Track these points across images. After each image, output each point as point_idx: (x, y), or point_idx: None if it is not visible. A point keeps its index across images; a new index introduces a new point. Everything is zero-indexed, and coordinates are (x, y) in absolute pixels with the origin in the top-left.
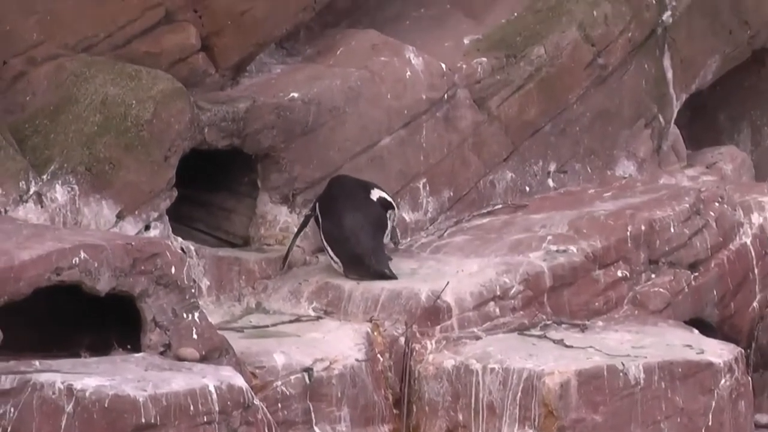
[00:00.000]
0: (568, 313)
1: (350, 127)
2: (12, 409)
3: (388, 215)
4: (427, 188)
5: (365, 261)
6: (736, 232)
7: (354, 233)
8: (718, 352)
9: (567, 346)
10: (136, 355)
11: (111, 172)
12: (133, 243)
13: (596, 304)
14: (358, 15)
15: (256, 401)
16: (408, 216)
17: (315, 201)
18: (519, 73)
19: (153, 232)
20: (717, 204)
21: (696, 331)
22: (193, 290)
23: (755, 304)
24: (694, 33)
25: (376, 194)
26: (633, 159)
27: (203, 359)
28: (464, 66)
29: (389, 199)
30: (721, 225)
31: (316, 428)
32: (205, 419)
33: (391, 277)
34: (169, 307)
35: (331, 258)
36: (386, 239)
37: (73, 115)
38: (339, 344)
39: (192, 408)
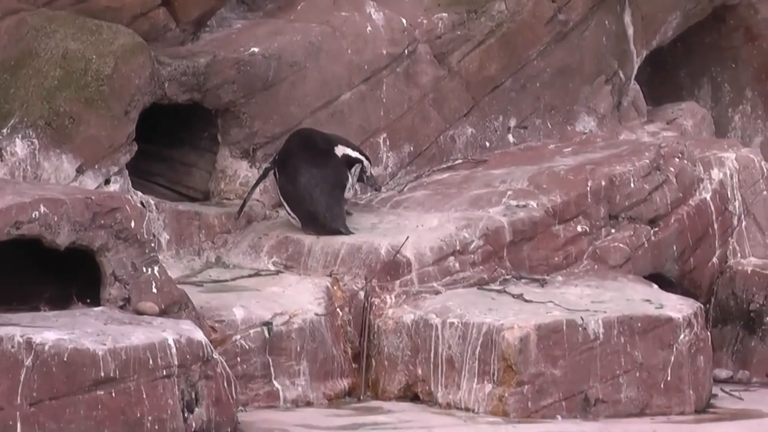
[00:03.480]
0: (527, 267)
1: (310, 82)
2: None
3: (352, 171)
4: (388, 143)
5: (319, 218)
6: (696, 187)
7: (308, 190)
8: (677, 307)
9: (526, 301)
10: (96, 309)
11: (71, 126)
12: (93, 197)
13: (556, 258)
14: None
15: (216, 355)
16: (368, 171)
17: (275, 155)
18: (480, 29)
19: (113, 187)
20: (677, 159)
21: (655, 286)
22: (152, 244)
23: (715, 259)
24: None
25: (340, 150)
26: (593, 115)
27: (163, 313)
28: (425, 21)
29: (354, 154)
30: (681, 180)
31: (275, 382)
32: (165, 373)
33: (346, 233)
34: (128, 261)
35: (289, 214)
36: (348, 194)
37: (33, 69)
38: (298, 298)
39: (151, 362)
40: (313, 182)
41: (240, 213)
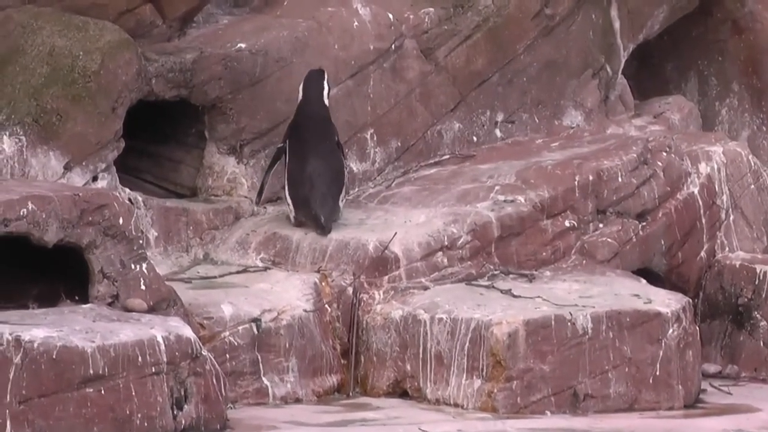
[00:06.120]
0: (515, 263)
1: (297, 77)
2: None
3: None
4: (375, 139)
5: (311, 205)
6: (683, 181)
7: (311, 178)
8: (665, 301)
9: (515, 296)
10: (84, 306)
11: (58, 123)
12: (80, 194)
13: (544, 253)
14: None
15: (204, 352)
16: (356, 166)
17: (287, 133)
18: (466, 23)
19: (101, 183)
20: (664, 154)
21: (644, 281)
22: (140, 241)
23: (703, 253)
24: None
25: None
26: (580, 109)
27: (151, 310)
28: (412, 16)
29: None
30: (668, 175)
31: (264, 379)
32: (153, 370)
33: (323, 230)
34: (116, 258)
35: (286, 197)
36: (343, 195)
37: (20, 66)
38: (287, 295)
39: (140, 359)
40: (319, 171)
41: (260, 196)
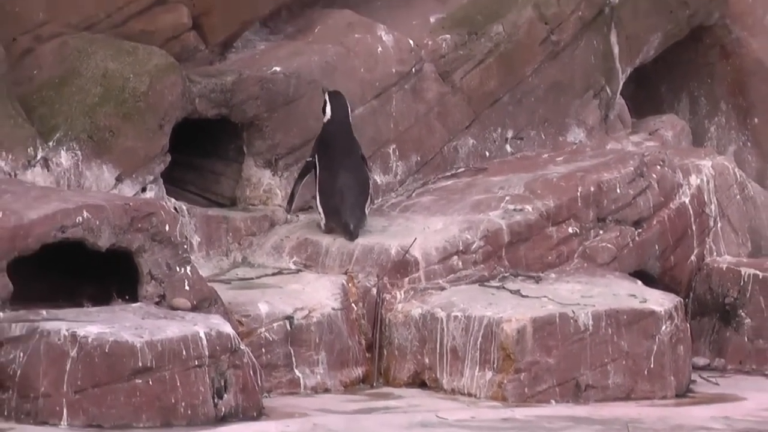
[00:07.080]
0: (524, 266)
1: None
2: (21, 354)
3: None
4: (397, 153)
5: (342, 216)
6: (676, 192)
7: (342, 191)
8: (659, 301)
9: (523, 296)
10: (134, 305)
11: (111, 139)
12: (130, 203)
13: (549, 257)
14: None
15: (243, 346)
16: (379, 178)
17: (314, 148)
18: (480, 49)
19: (149, 194)
20: (659, 167)
21: (640, 282)
22: (185, 246)
23: (693, 257)
24: (638, 12)
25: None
26: (583, 126)
27: (195, 308)
28: (430, 42)
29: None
30: (662, 186)
31: (296, 370)
32: (197, 363)
33: (351, 235)
34: (163, 261)
35: (317, 206)
36: (368, 205)
37: (76, 87)
38: (317, 294)
39: (184, 352)
40: (348, 184)
41: (290, 206)
